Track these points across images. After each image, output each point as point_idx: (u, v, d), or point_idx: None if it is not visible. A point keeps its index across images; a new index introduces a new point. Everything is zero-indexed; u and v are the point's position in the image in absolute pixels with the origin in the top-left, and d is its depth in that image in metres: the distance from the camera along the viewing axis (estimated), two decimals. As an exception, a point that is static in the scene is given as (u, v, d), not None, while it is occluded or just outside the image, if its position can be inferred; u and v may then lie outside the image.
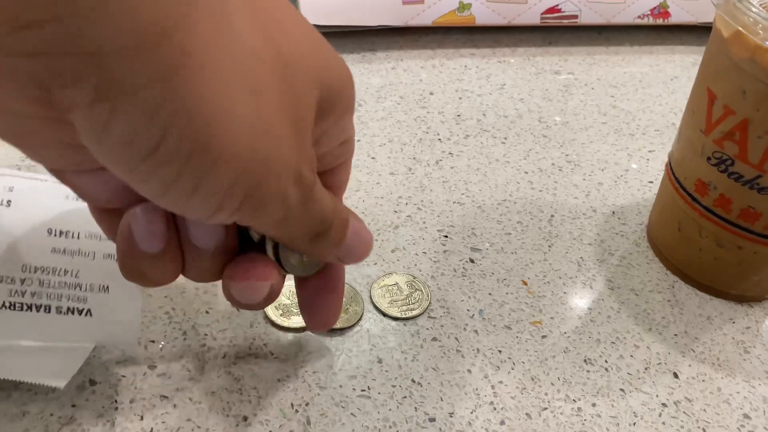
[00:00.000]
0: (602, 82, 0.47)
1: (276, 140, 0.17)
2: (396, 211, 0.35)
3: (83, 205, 0.24)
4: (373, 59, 0.47)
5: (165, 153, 0.15)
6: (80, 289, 0.25)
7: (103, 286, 0.25)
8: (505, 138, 0.41)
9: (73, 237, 0.25)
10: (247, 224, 0.19)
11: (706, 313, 0.31)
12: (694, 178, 0.30)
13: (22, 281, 0.24)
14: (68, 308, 0.24)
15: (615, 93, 0.46)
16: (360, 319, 0.29)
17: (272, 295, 0.22)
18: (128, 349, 0.27)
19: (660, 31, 0.53)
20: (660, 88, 0.47)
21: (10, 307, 0.24)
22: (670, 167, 0.32)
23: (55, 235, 0.25)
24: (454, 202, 0.36)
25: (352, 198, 0.35)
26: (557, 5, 0.49)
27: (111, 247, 0.25)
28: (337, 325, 0.28)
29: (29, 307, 0.24)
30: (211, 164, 0.16)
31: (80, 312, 0.24)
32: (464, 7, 0.47)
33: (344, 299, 0.26)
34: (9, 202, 0.25)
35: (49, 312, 0.24)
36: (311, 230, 0.20)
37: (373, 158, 0.38)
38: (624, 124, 0.43)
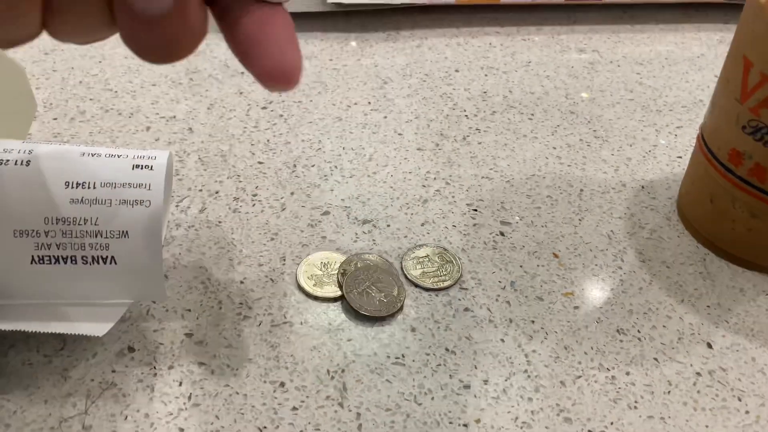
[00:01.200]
0: (628, 60, 0.47)
1: None
2: (424, 186, 0.35)
3: (99, 159, 0.25)
4: (398, 38, 0.47)
5: None
6: (101, 236, 0.25)
7: (123, 231, 0.25)
8: (532, 114, 0.41)
9: (89, 187, 0.26)
10: None
11: (738, 285, 0.31)
12: (728, 148, 0.30)
13: (47, 233, 0.25)
14: (93, 257, 0.25)
15: (641, 70, 0.46)
16: (402, 307, 0.29)
17: (187, 7, 0.16)
18: (159, 299, 0.26)
19: (686, 9, 0.52)
20: (686, 66, 0.47)
21: (39, 261, 0.25)
22: (702, 139, 0.32)
23: (73, 186, 0.25)
24: (483, 177, 0.36)
25: (380, 173, 0.36)
26: (583, -18, 0.48)
27: (125, 193, 0.25)
28: (382, 313, 0.28)
29: (56, 260, 0.25)
30: None
31: (104, 260, 0.25)
32: (489, -16, 0.47)
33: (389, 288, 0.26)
34: (28, 162, 0.26)
35: (76, 263, 0.25)
36: None
37: (400, 134, 0.38)
38: (651, 100, 0.43)
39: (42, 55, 0.42)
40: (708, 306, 0.30)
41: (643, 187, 0.36)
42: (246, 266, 0.30)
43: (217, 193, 0.33)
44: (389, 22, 0.48)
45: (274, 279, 0.29)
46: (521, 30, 0.49)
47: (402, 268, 0.30)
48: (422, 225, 0.33)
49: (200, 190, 0.33)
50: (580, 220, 0.34)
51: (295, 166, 0.36)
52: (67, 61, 0.41)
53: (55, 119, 0.37)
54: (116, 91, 0.39)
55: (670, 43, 0.49)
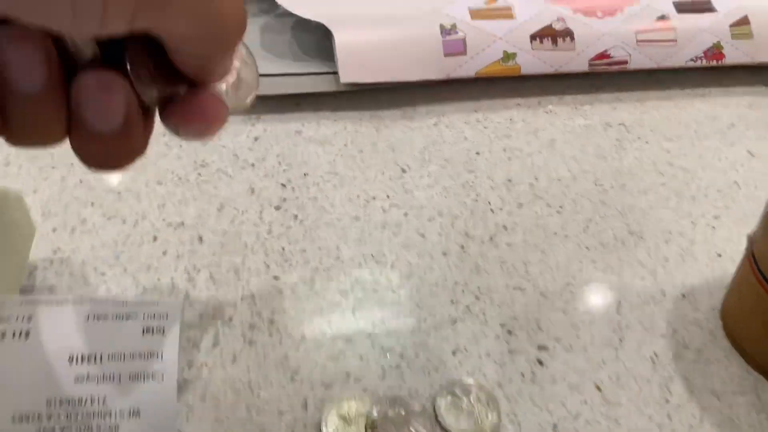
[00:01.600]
0: (656, 135, 0.45)
1: None
2: (453, 302, 0.33)
3: (105, 324, 0.23)
4: (414, 115, 0.44)
5: None
6: (110, 416, 0.23)
7: (134, 410, 0.23)
8: (561, 206, 0.39)
9: (96, 361, 0.23)
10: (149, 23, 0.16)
11: (795, 419, 0.29)
12: (787, 280, 0.28)
13: (49, 417, 0.23)
14: None
15: (670, 147, 0.44)
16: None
17: (132, 127, 0.18)
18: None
19: (713, 70, 0.50)
20: (717, 140, 0.44)
21: None
22: (753, 260, 0.30)
23: (78, 362, 0.23)
24: (515, 288, 0.34)
25: (405, 287, 0.33)
26: (606, 51, 0.46)
27: (136, 365, 0.23)
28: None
29: (58, 443, 0.22)
30: None
31: (112, 439, 0.23)
32: (509, 56, 0.45)
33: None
34: (27, 333, 0.23)
35: None
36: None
37: (422, 235, 0.36)
38: (683, 185, 0.41)
39: (39, 151, 0.39)
40: (765, 448, 0.28)
41: (683, 295, 0.34)
42: (265, 415, 0.27)
43: (230, 320, 0.31)
44: (404, 96, 0.46)
45: (296, 431, 0.27)
46: (542, 101, 0.47)
47: (434, 410, 0.28)
48: (453, 353, 0.30)
49: (213, 317, 0.31)
50: (620, 340, 0.32)
51: (312, 280, 0.33)
52: (65, 157, 0.38)
53: (54, 230, 0.34)
54: (119, 192, 0.37)
55: (699, 113, 0.47)
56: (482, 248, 0.36)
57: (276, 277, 0.33)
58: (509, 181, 0.40)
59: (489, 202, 0.38)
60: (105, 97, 0.18)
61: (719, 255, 0.36)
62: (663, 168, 0.42)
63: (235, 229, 0.36)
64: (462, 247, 0.36)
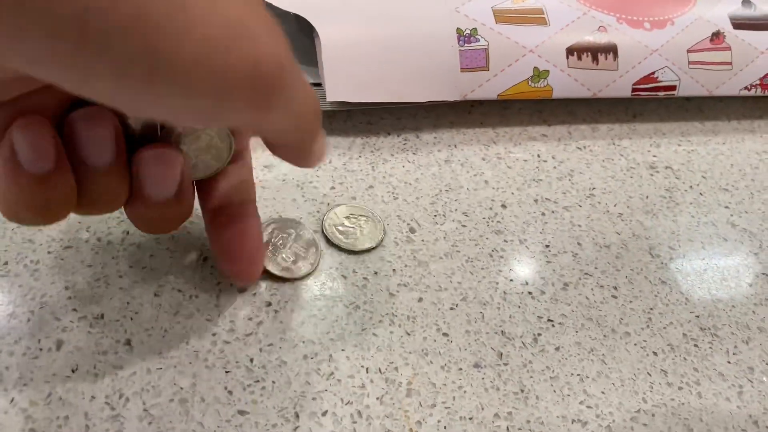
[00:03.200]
0: (709, 182, 0.36)
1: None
2: (496, 447, 0.23)
3: None
4: (419, 145, 0.34)
5: (95, 35, 0.12)
6: None
7: None
8: (615, 288, 0.30)
9: None
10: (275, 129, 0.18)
11: None
12: None
13: None
14: None
15: (729, 201, 0.35)
16: None
17: (184, 194, 0.21)
18: None
19: (757, 99, 0.42)
20: (778, 191, 0.37)
21: None
22: None
23: None
24: (573, 421, 0.25)
25: (427, 423, 0.24)
26: (653, 73, 0.37)
27: None
28: None
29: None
30: (166, 36, 0.13)
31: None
32: (540, 75, 0.35)
33: None
34: None
35: None
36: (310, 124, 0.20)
37: (446, 335, 0.26)
38: (752, 255, 0.33)
39: None
40: None
41: (781, 426, 0.26)
42: None
43: (179, 494, 0.21)
44: (406, 119, 0.35)
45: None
46: (573, 131, 0.37)
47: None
48: None
49: (150, 489, 0.20)
50: (717, 502, 0.23)
51: (297, 416, 0.23)
52: None
53: None
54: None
55: (751, 153, 0.39)
56: (525, 356, 0.26)
57: (242, 412, 0.23)
58: (546, 247, 0.31)
59: (526, 282, 0.29)
60: (164, 169, 0.20)
61: (810, 361, 0.29)
62: (725, 231, 0.34)
63: (180, 326, 0.25)
64: (500, 355, 0.26)
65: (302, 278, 0.27)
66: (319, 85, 0.32)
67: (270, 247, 0.27)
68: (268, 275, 0.27)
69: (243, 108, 0.15)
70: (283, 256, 0.27)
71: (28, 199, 0.18)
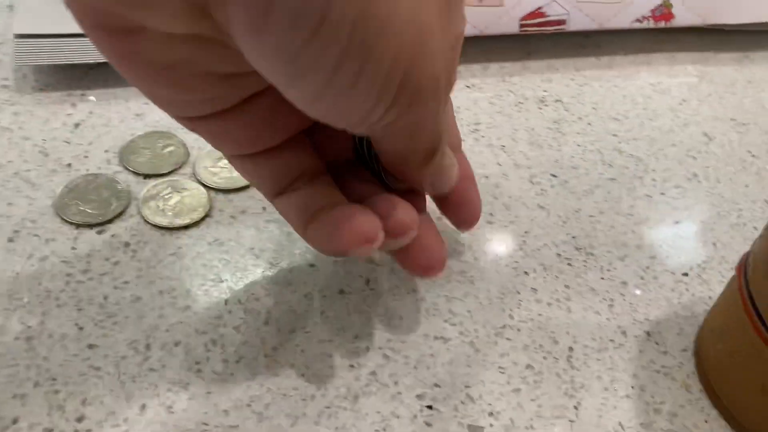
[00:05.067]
0: (599, 113, 0.36)
1: (432, 7, 0.16)
2: (353, 366, 0.23)
3: None
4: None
5: (330, 26, 0.14)
6: None
7: None
8: (491, 214, 0.30)
9: None
10: (387, 132, 0.18)
11: (797, 507, 0.22)
12: (804, 340, 0.20)
13: None
14: None
15: (618, 130, 0.36)
16: None
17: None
18: None
19: (656, 33, 0.43)
20: (669, 119, 0.37)
21: None
22: (750, 302, 0.22)
23: None
24: (435, 338, 0.25)
25: (286, 346, 0.24)
26: (540, 8, 0.37)
27: None
28: None
29: None
30: (376, 34, 0.14)
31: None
32: (422, 13, 0.35)
33: None
34: None
35: None
36: (431, 143, 0.19)
37: (312, 266, 0.26)
38: (636, 179, 0.33)
39: None
40: None
41: (648, 334, 0.26)
42: None
43: (15, 422, 0.20)
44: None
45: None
46: (463, 71, 0.37)
47: None
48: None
49: (-15, 421, 0.20)
50: (575, 406, 0.24)
51: (149, 347, 0.23)
52: None
53: None
54: None
55: (645, 85, 0.39)
56: (392, 281, 0.26)
57: (92, 345, 0.23)
58: (425, 180, 0.31)
59: (399, 212, 0.29)
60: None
61: (685, 274, 0.29)
62: (610, 157, 0.34)
63: (34, 269, 0.24)
64: (367, 281, 0.26)
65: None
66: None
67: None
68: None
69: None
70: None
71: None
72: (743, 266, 0.23)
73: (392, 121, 0.17)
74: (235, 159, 0.21)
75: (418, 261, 0.22)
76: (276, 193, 0.21)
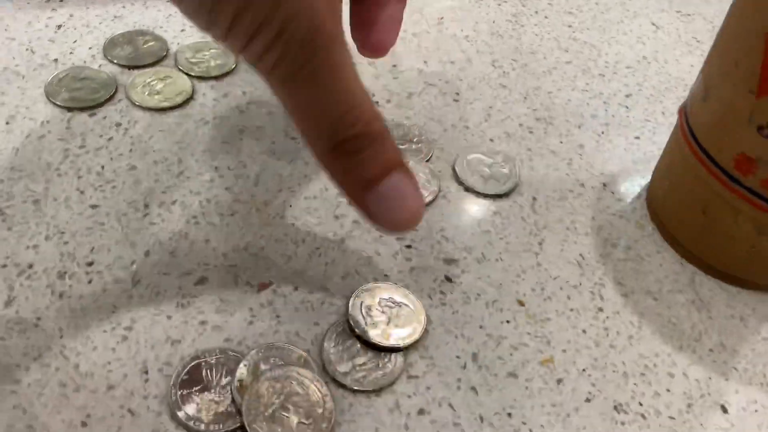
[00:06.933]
0: (555, 9, 0.39)
1: None
2: (337, 217, 0.26)
3: None
4: None
5: None
6: None
7: None
8: (457, 94, 0.32)
9: None
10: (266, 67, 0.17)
11: (738, 312, 0.25)
12: (734, 152, 0.23)
13: None
14: None
15: (572, 22, 0.38)
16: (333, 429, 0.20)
17: None
18: None
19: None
20: (619, 12, 0.39)
21: None
22: (689, 132, 0.25)
23: None
24: (411, 193, 0.27)
25: (274, 202, 0.26)
26: None
27: None
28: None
29: None
30: None
31: None
32: None
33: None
34: None
35: None
36: (333, 123, 0.17)
37: (293, 139, 0.28)
38: (590, 61, 0.35)
39: None
40: (711, 350, 0.24)
41: (604, 185, 0.29)
42: (86, 394, 0.20)
43: (30, 267, 0.22)
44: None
45: (133, 410, 0.19)
46: (425, -26, 0.39)
47: (324, 366, 0.21)
48: (343, 278, 0.24)
49: (4, 266, 0.22)
50: (540, 243, 0.26)
51: (147, 206, 0.25)
52: None
53: None
54: None
55: (597, -16, 0.41)
56: (368, 148, 0.29)
57: (94, 206, 0.25)
58: (394, 67, 0.33)
59: (373, 94, 0.31)
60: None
61: (637, 138, 0.32)
62: (566, 44, 0.36)
63: (32, 146, 0.26)
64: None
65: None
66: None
67: None
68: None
69: None
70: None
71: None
72: (683, 108, 0.26)
73: (276, 65, 0.16)
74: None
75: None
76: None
